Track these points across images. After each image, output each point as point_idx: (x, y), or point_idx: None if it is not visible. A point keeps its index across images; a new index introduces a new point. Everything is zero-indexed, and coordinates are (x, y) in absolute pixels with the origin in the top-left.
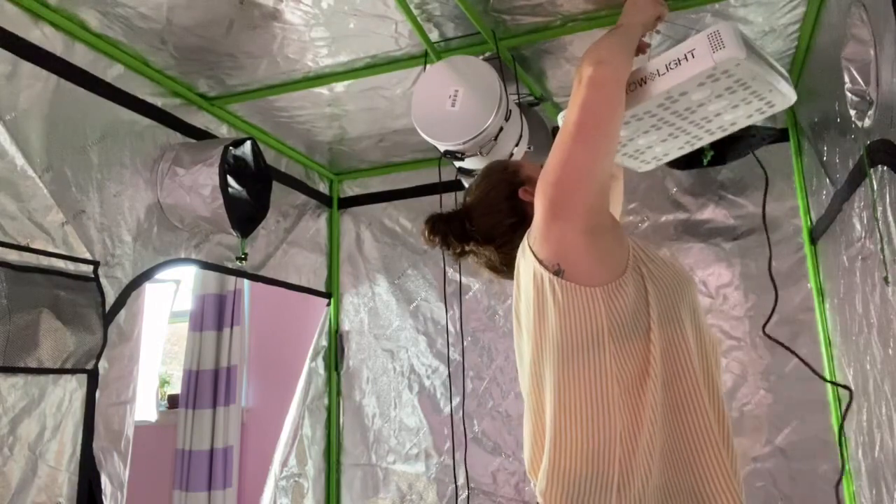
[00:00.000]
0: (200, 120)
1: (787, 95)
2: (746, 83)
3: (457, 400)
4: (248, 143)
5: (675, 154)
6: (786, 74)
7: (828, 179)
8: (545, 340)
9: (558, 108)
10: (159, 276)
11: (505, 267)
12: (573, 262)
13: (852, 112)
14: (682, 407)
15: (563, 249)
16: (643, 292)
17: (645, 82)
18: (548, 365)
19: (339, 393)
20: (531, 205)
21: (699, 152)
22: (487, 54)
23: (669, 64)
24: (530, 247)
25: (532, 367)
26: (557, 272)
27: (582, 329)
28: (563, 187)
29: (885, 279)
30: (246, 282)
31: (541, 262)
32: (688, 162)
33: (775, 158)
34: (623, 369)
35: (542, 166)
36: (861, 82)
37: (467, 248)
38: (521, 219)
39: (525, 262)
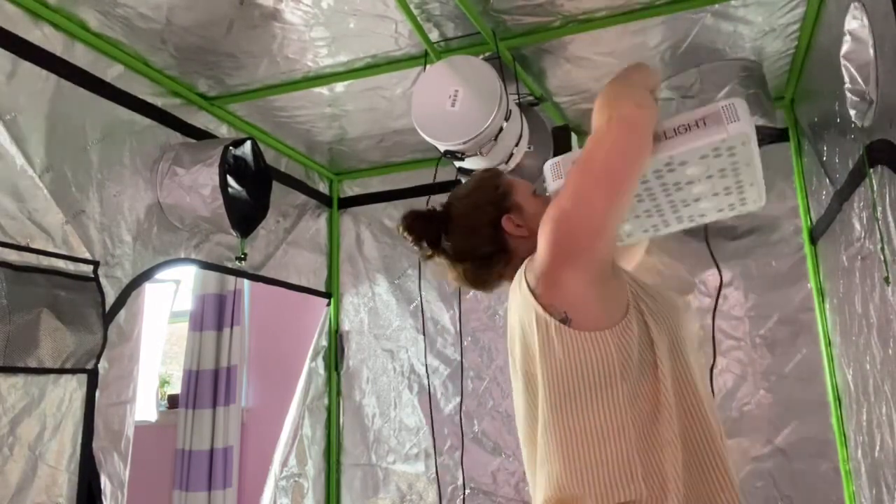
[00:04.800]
0: (200, 120)
1: (762, 196)
2: (739, 169)
3: (457, 400)
4: (248, 143)
5: (638, 236)
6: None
7: (828, 179)
8: (554, 385)
9: (558, 107)
10: (159, 276)
11: (473, 286)
12: (581, 310)
13: (852, 112)
14: (695, 438)
15: (571, 298)
16: (645, 328)
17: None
18: (557, 411)
19: (339, 393)
20: (514, 238)
21: None
22: (487, 54)
23: (678, 128)
24: (531, 290)
25: (539, 412)
26: (564, 320)
27: (594, 373)
28: (579, 234)
29: (886, 279)
30: (246, 282)
31: (545, 307)
32: None
33: (775, 158)
34: (636, 407)
35: (535, 192)
36: (861, 82)
37: (437, 258)
38: (498, 249)
39: (525, 303)
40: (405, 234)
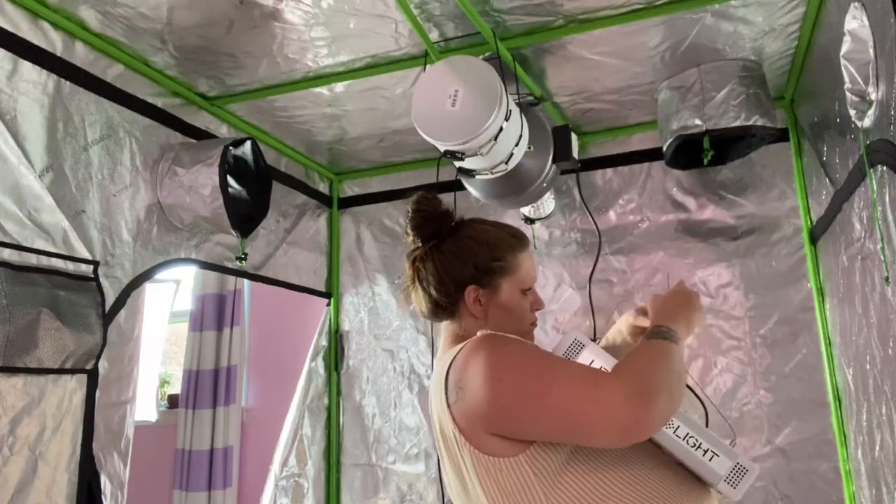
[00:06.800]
0: (200, 120)
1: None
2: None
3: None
4: (248, 143)
5: None
6: None
7: (828, 179)
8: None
9: (558, 107)
10: (159, 276)
11: (417, 306)
12: (504, 452)
13: (852, 112)
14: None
15: (500, 453)
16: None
17: None
18: None
19: (339, 393)
20: (465, 308)
21: (699, 152)
22: (487, 54)
23: (689, 437)
24: (459, 427)
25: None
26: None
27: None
28: (561, 425)
29: (886, 279)
30: (246, 282)
31: (471, 445)
32: (688, 162)
33: (775, 158)
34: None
35: (527, 289)
36: (861, 82)
37: (416, 257)
38: (447, 305)
39: (447, 428)
40: (413, 213)
